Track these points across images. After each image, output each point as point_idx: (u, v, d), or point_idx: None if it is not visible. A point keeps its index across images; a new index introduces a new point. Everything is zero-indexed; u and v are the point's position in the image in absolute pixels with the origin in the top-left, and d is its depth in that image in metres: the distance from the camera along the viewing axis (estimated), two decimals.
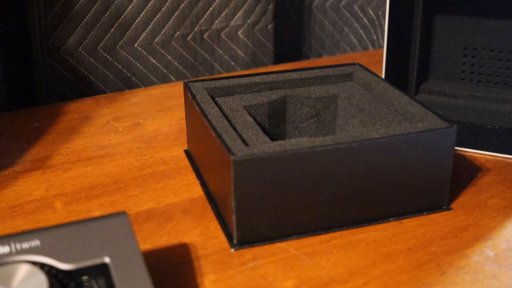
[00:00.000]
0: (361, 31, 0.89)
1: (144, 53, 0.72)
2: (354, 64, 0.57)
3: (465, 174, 0.51)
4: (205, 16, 0.74)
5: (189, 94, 0.50)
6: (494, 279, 0.38)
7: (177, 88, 0.71)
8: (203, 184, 0.49)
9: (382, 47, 0.89)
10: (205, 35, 0.75)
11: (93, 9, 0.67)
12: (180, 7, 0.72)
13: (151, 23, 0.71)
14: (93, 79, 0.71)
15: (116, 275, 0.32)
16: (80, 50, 0.69)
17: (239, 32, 0.78)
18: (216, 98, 0.51)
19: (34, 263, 0.32)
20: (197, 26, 0.74)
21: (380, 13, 0.88)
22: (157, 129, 0.60)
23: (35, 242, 0.33)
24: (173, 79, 0.76)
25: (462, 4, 0.56)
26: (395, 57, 0.56)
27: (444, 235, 0.43)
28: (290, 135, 0.53)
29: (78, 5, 0.66)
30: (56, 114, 0.64)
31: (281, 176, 0.40)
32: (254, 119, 0.50)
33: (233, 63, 0.79)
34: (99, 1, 0.67)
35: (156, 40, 0.72)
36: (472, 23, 0.56)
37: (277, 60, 0.83)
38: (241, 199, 0.40)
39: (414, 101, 0.48)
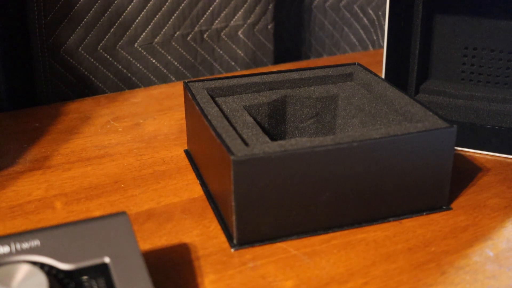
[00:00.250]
0: (361, 31, 0.89)
1: (144, 53, 0.72)
2: (354, 64, 0.57)
3: (465, 174, 0.51)
4: (205, 16, 0.74)
5: (189, 94, 0.50)
6: (494, 279, 0.38)
7: (177, 88, 0.71)
8: (203, 184, 0.49)
9: (382, 47, 0.89)
10: (205, 35, 0.75)
11: (93, 9, 0.67)
12: (180, 7, 0.72)
13: (151, 23, 0.71)
14: (93, 79, 0.71)
15: (116, 275, 0.32)
16: (80, 50, 0.69)
17: (239, 32, 0.78)
18: (216, 98, 0.51)
19: (34, 263, 0.32)
20: (197, 26, 0.74)
21: (380, 13, 0.88)
22: (157, 129, 0.60)
23: (35, 242, 0.33)
24: (173, 79, 0.76)
25: (462, 4, 0.56)
26: (395, 57, 0.56)
27: (444, 235, 0.43)
28: (290, 135, 0.53)
29: (78, 5, 0.66)
30: (56, 114, 0.64)
31: (281, 176, 0.40)
32: (254, 119, 0.50)
33: (233, 63, 0.79)
34: (99, 1, 0.67)
35: (156, 40, 0.72)
36: (472, 23, 0.56)
37: (277, 60, 0.83)
38: (241, 199, 0.40)
39: (414, 101, 0.48)
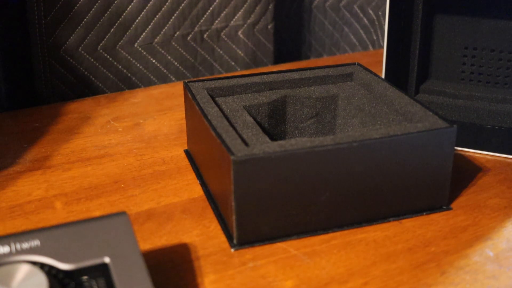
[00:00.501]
0: (361, 31, 0.89)
1: (144, 53, 0.72)
2: (354, 64, 0.57)
3: (465, 174, 0.51)
4: (205, 16, 0.74)
5: (189, 94, 0.50)
6: (494, 279, 0.38)
7: (177, 88, 0.71)
8: (203, 184, 0.49)
9: (382, 47, 0.89)
10: (205, 35, 0.75)
11: (93, 9, 0.67)
12: (180, 7, 0.72)
13: (151, 23, 0.71)
14: (93, 79, 0.71)
15: (116, 275, 0.32)
16: (80, 50, 0.69)
17: (239, 32, 0.78)
18: (216, 98, 0.51)
19: (34, 263, 0.32)
20: (197, 26, 0.74)
21: (380, 13, 0.88)
22: (157, 129, 0.60)
23: (35, 242, 0.33)
24: (173, 79, 0.76)
25: (462, 4, 0.56)
26: (395, 57, 0.56)
27: (444, 235, 0.43)
28: (290, 135, 0.53)
29: (78, 5, 0.66)
30: (56, 114, 0.64)
31: (281, 176, 0.40)
32: (254, 119, 0.50)
33: (233, 63, 0.79)
34: (99, 1, 0.67)
35: (156, 40, 0.72)
36: (472, 23, 0.56)
37: (277, 60, 0.83)
38: (241, 199, 0.40)
39: (414, 101, 0.48)
